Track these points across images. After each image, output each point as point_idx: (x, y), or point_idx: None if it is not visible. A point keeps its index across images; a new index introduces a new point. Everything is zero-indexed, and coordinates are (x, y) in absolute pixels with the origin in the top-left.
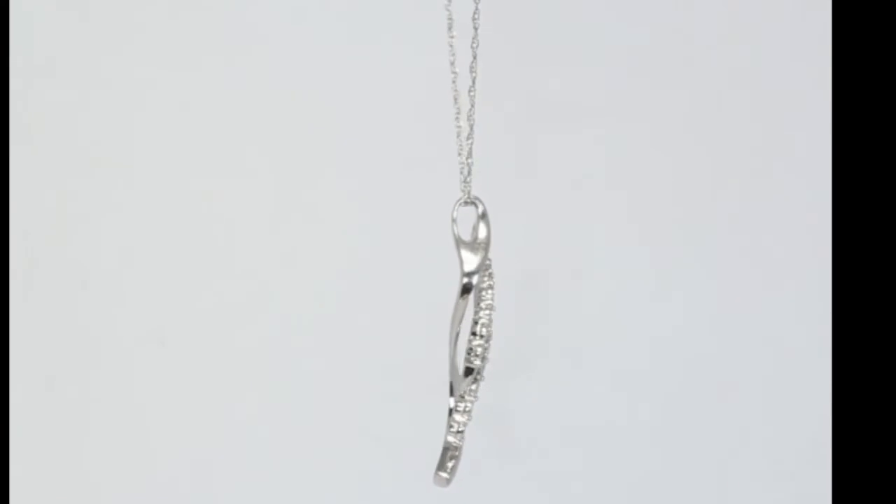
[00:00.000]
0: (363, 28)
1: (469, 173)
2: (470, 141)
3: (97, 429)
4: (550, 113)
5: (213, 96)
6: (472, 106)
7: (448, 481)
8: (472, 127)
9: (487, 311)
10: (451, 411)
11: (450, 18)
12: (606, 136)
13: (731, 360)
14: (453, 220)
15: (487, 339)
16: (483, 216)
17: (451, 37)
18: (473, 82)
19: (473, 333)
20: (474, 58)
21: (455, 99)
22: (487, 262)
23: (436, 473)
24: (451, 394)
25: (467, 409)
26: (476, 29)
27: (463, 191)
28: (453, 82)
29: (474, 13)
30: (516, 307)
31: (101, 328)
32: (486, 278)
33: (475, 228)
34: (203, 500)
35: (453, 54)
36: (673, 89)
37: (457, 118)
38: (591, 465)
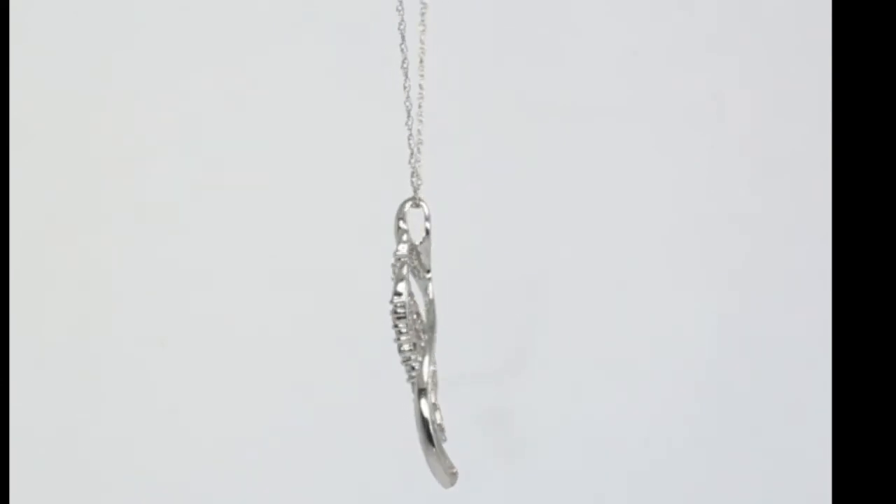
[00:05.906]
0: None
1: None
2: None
3: (97, 429)
4: (553, 112)
5: (212, 96)
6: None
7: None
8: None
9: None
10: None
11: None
12: (606, 136)
13: (732, 361)
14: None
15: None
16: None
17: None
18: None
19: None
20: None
21: (408, 96)
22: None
23: (451, 474)
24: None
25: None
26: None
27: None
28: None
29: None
30: (517, 307)
31: (101, 328)
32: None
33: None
34: (203, 500)
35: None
36: (674, 89)
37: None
38: (591, 466)
